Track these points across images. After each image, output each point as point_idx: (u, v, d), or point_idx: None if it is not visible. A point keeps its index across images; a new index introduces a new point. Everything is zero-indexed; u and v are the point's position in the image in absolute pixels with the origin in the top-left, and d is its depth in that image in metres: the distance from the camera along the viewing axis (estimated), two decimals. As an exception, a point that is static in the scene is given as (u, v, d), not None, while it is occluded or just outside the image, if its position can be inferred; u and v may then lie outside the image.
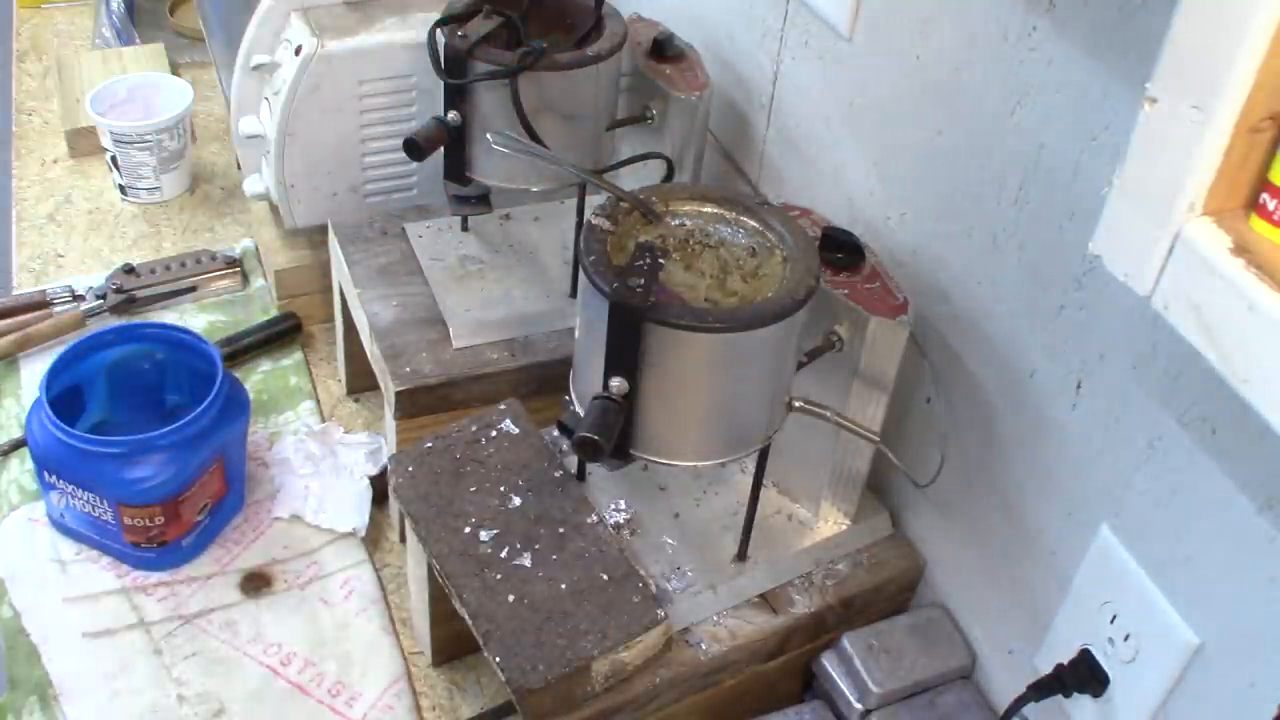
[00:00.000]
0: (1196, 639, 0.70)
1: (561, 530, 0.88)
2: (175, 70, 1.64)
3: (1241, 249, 0.46)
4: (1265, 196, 0.46)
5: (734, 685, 0.89)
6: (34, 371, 1.20)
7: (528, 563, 0.86)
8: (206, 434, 1.03)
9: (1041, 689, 0.80)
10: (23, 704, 0.94)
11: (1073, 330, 0.76)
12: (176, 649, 0.99)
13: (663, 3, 1.25)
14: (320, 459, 1.15)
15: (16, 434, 1.15)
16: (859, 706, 0.87)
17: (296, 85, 1.13)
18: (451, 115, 0.99)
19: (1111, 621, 0.76)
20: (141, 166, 1.43)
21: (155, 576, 1.05)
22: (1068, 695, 0.80)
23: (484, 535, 0.87)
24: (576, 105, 1.00)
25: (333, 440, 1.17)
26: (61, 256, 1.39)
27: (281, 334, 1.29)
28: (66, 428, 0.99)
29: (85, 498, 1.02)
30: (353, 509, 1.11)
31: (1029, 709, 0.82)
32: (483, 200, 1.07)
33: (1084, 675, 0.78)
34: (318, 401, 1.24)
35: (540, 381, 1.05)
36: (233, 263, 1.35)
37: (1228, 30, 0.43)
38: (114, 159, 1.43)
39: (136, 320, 1.27)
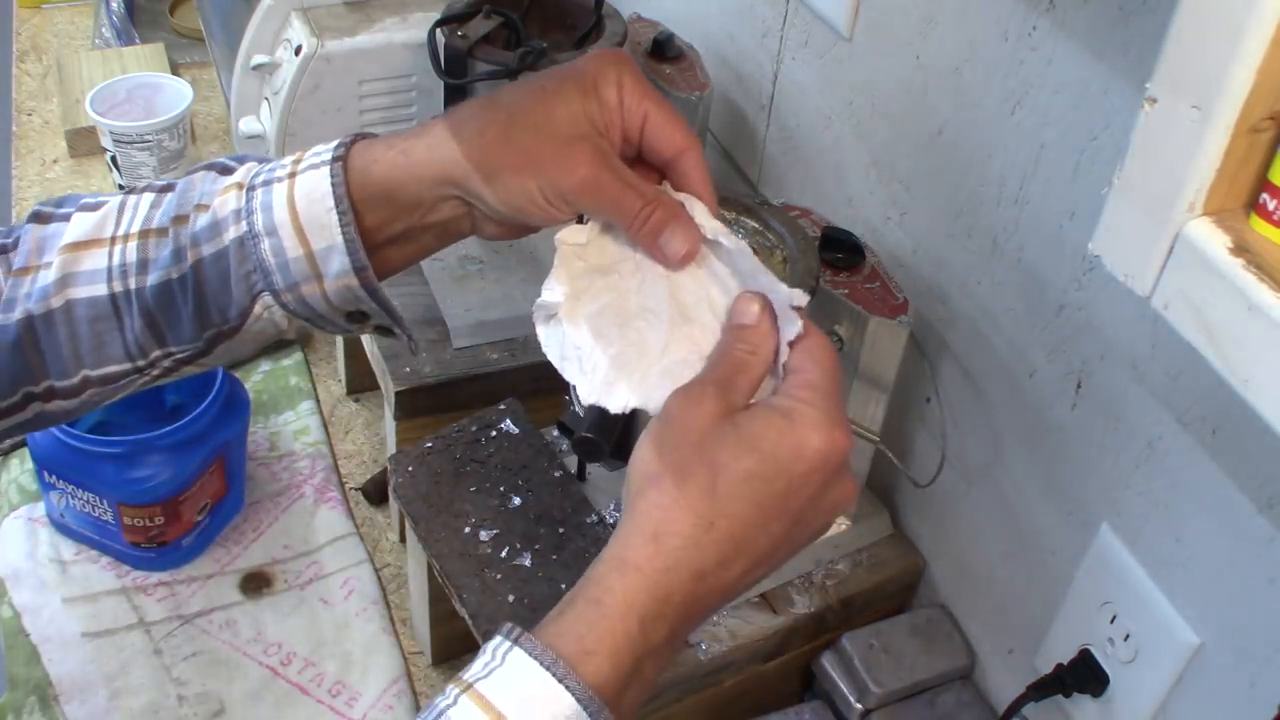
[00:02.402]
0: (1196, 639, 0.70)
1: (561, 530, 0.88)
2: (175, 70, 1.64)
3: (1241, 249, 0.46)
4: (1265, 196, 0.46)
5: (734, 685, 0.89)
6: (34, 371, 1.20)
7: (528, 563, 0.86)
8: (206, 434, 1.03)
9: (1041, 689, 0.80)
10: (22, 704, 0.94)
11: (1073, 330, 0.76)
12: (176, 649, 0.99)
13: (663, 3, 1.25)
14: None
15: (16, 434, 1.15)
16: (859, 706, 0.87)
17: (296, 85, 1.13)
18: (451, 115, 0.99)
19: (1111, 621, 0.76)
20: (141, 166, 1.43)
21: (155, 576, 1.05)
22: (1068, 695, 0.80)
23: (484, 535, 0.87)
24: (576, 105, 1.00)
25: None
26: (61, 256, 1.39)
27: (281, 334, 1.29)
28: (66, 428, 0.99)
29: (85, 498, 1.02)
30: None
31: (1029, 709, 0.82)
32: (483, 200, 1.07)
33: (1084, 675, 0.78)
34: (318, 401, 1.24)
35: (540, 381, 1.05)
36: (233, 263, 1.35)
37: (1227, 30, 0.43)
38: (114, 159, 1.43)
39: (136, 320, 1.27)
